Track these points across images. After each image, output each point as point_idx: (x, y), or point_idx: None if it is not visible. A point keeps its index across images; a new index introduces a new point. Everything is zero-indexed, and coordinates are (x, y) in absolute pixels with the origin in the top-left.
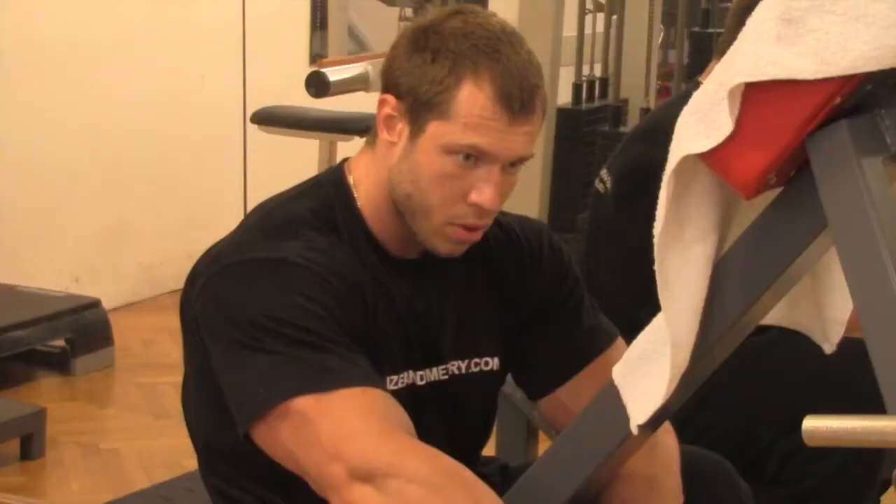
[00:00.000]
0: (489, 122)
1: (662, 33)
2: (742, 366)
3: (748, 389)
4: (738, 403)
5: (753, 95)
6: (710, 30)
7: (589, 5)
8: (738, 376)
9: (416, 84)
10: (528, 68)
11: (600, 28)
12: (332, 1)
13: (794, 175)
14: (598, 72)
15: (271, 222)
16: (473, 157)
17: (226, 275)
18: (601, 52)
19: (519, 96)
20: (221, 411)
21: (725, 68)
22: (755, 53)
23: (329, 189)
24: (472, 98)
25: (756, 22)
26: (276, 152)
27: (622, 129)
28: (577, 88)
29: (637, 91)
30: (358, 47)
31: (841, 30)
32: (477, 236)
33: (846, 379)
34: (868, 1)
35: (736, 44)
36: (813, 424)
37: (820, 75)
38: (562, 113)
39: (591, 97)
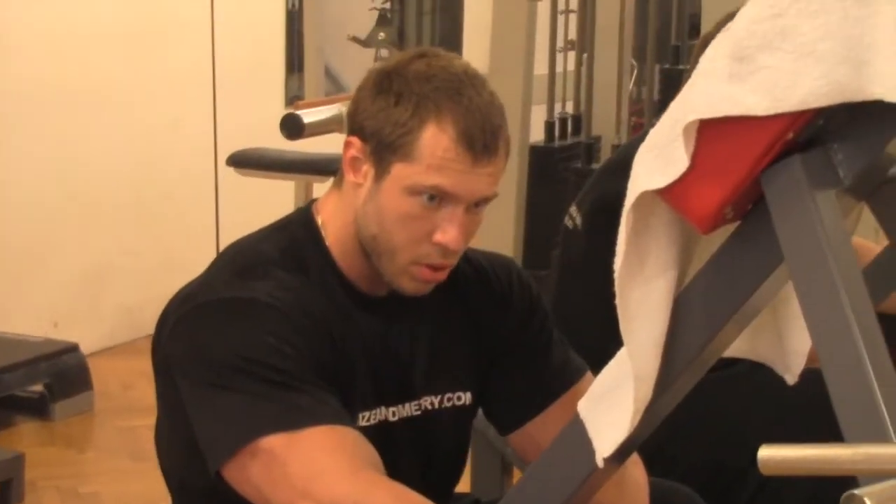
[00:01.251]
0: (452, 164)
1: (636, 70)
2: (711, 398)
3: (718, 422)
4: (709, 435)
5: (708, 132)
6: (681, 66)
7: (560, 43)
8: (708, 409)
9: (380, 126)
10: (490, 110)
11: (571, 66)
12: (308, 43)
13: (751, 209)
14: (570, 109)
15: (241, 263)
16: (437, 197)
17: (196, 315)
18: (573, 90)
19: (482, 138)
20: (193, 451)
21: (680, 105)
22: (708, 90)
23: (298, 229)
24: (435, 140)
25: (708, 59)
26: (248, 194)
27: (595, 165)
28: (549, 126)
29: (609, 128)
30: (335, 88)
31: (791, 66)
32: (442, 276)
33: (811, 409)
34: (817, 38)
35: (690, 81)
36: (767, 454)
37: (772, 111)
38: (534, 151)
39: (563, 135)
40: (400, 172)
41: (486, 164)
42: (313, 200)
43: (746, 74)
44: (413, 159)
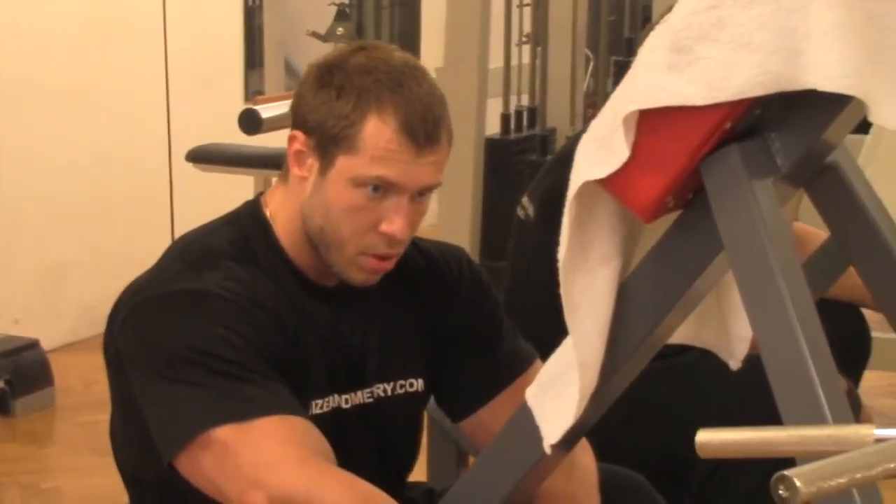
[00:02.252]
0: (395, 155)
1: (591, 62)
2: (662, 386)
3: (668, 409)
4: (660, 423)
5: (647, 122)
6: (633, 58)
7: (515, 37)
8: (659, 397)
9: (322, 120)
10: (431, 100)
11: (527, 59)
12: (268, 38)
13: (692, 198)
14: (525, 102)
15: (191, 255)
16: (382, 188)
17: (146, 307)
18: (528, 83)
19: (423, 128)
20: (146, 444)
21: (620, 96)
22: (647, 81)
23: (247, 221)
24: (378, 132)
25: (647, 51)
26: (204, 190)
27: (550, 157)
28: (505, 119)
29: (564, 120)
30: (296, 83)
31: (727, 57)
32: (389, 265)
33: (758, 394)
34: (752, 29)
35: (630, 72)
36: (705, 437)
37: (709, 101)
38: (490, 143)
39: (519, 127)
40: (344, 165)
41: (428, 154)
42: (261, 193)
43: (684, 65)
44: (356, 151)
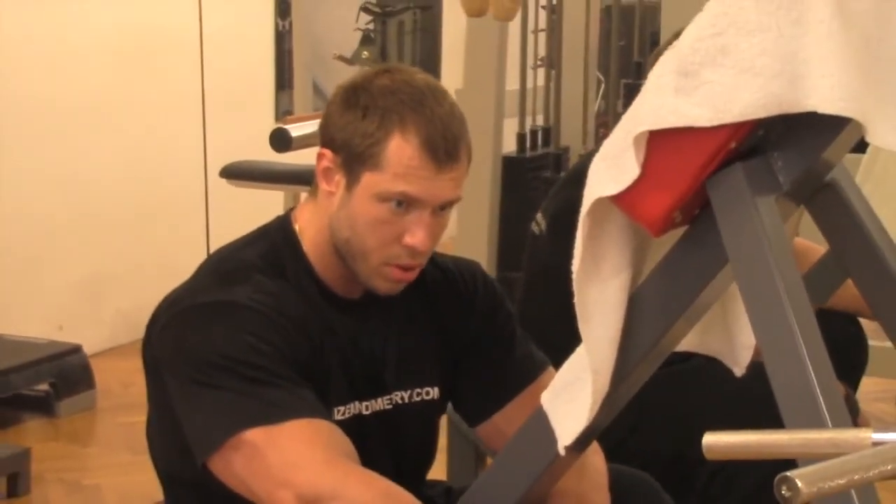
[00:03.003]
0: (417, 171)
1: (602, 85)
2: (669, 392)
3: (675, 413)
4: (667, 426)
5: (656, 142)
6: (643, 81)
7: (530, 61)
8: (666, 401)
9: (348, 138)
10: (451, 119)
11: (541, 82)
12: (297, 61)
13: (698, 214)
14: (540, 122)
15: (223, 268)
16: (405, 203)
17: (182, 318)
18: (543, 104)
19: (443, 146)
20: (181, 445)
21: (631, 118)
22: (656, 104)
23: (277, 236)
24: (400, 150)
25: (656, 75)
26: (237, 205)
27: (563, 174)
28: (520, 138)
29: (577, 139)
30: (323, 104)
31: (732, 81)
32: (412, 275)
33: (760, 400)
34: (755, 54)
35: (639, 95)
36: (711, 440)
37: (715, 122)
38: (507, 161)
39: (534, 146)
40: (369, 181)
41: (448, 171)
42: (291, 209)
43: (691, 89)
44: (381, 168)
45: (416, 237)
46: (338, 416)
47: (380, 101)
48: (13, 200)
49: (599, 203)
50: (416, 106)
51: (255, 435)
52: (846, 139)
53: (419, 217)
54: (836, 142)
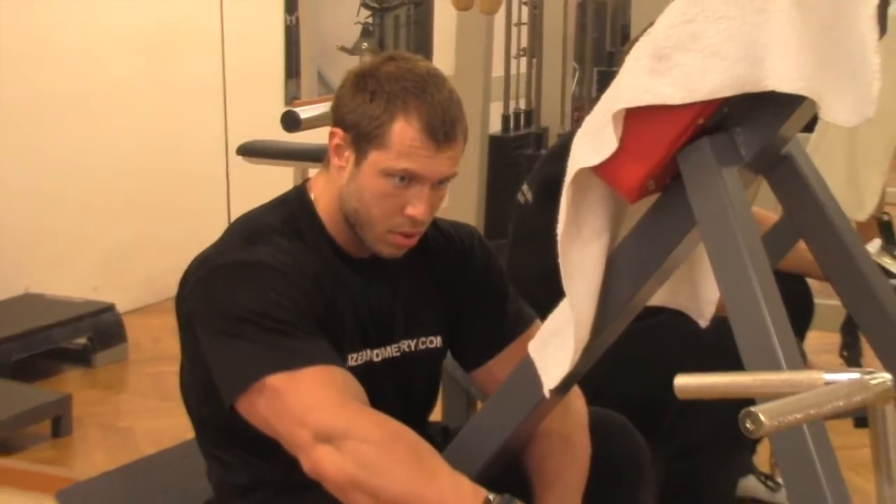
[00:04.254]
0: (418, 151)
1: (577, 72)
2: (641, 342)
3: (647, 361)
4: (639, 373)
5: (633, 118)
6: (614, 69)
7: (514, 51)
8: (639, 351)
9: (358, 120)
10: (449, 104)
11: (524, 69)
12: (303, 52)
13: (670, 182)
14: (522, 105)
15: (247, 231)
16: (407, 178)
17: (211, 276)
18: (525, 89)
19: (442, 128)
20: (211, 390)
21: (610, 97)
22: (633, 84)
23: (294, 204)
24: (403, 131)
25: (633, 59)
26: (253, 179)
27: (543, 151)
28: (505, 119)
29: (555, 120)
30: (327, 90)
31: (701, 64)
32: (413, 242)
33: (721, 349)
34: (721, 40)
35: (618, 76)
36: (683, 381)
37: (685, 101)
38: (493, 140)
39: (517, 126)
40: (375, 158)
41: (446, 150)
42: (307, 179)
43: (664, 70)
44: (386, 147)
45: (416, 209)
46: (351, 363)
47: (386, 86)
48: (55, 176)
49: (582, 173)
50: (418, 92)
51: (276, 380)
52: (801, 116)
53: (420, 191)
54: (792, 118)
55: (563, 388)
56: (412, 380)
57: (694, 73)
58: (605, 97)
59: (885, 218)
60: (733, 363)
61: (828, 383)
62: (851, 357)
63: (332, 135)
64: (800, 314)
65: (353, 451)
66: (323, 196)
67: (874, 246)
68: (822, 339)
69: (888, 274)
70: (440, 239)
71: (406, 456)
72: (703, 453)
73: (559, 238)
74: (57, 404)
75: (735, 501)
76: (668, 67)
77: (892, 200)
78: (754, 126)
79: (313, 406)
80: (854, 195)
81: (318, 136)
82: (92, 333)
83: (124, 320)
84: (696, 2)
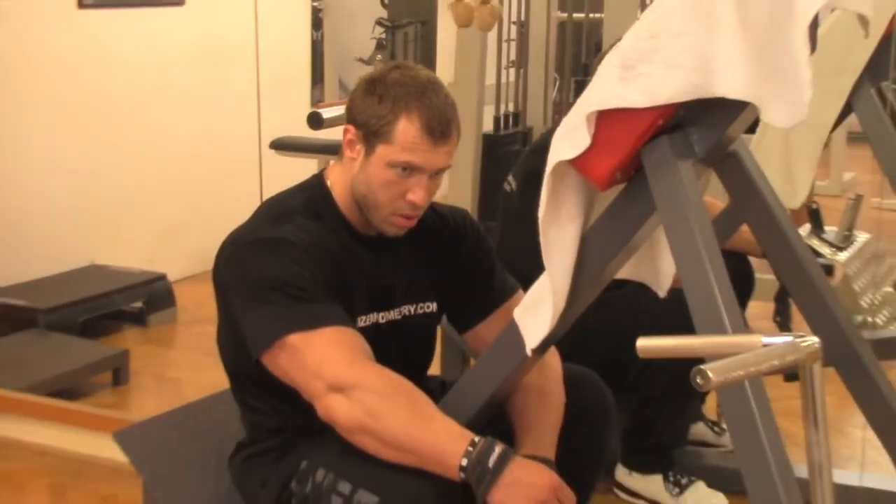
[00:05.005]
0: (418, 146)
1: (557, 81)
2: (609, 310)
3: (613, 326)
4: (607, 336)
5: (603, 120)
6: (588, 78)
7: (504, 62)
8: (607, 318)
9: (367, 119)
10: (445, 107)
11: (512, 78)
12: (327, 63)
13: (634, 173)
14: (511, 108)
15: (273, 212)
16: (409, 169)
17: (243, 250)
18: (513, 95)
19: (439, 127)
20: (242, 346)
21: (584, 101)
22: (603, 90)
23: (314, 189)
24: (406, 129)
25: (604, 68)
26: (280, 169)
27: (528, 147)
28: (496, 120)
29: (538, 121)
30: (346, 94)
31: (661, 73)
32: (412, 223)
33: (676, 315)
34: (679, 53)
35: (591, 84)
36: (644, 343)
37: (648, 105)
38: (485, 138)
39: (506, 126)
40: (382, 152)
41: (442, 146)
42: (324, 169)
43: (630, 79)
44: (391, 142)
45: (416, 195)
46: (360, 324)
47: (391, 90)
48: (116, 165)
49: (560, 165)
50: (419, 96)
51: (295, 339)
52: (745, 118)
53: (419, 180)
54: (738, 120)
55: (542, 347)
56: (412, 339)
57: (655, 81)
58: (580, 101)
59: (814, 206)
60: (687, 328)
61: (765, 345)
62: (783, 322)
63: (345, 131)
64: (742, 287)
65: (360, 399)
66: (338, 183)
67: (805, 230)
68: (761, 308)
69: (816, 254)
70: (437, 220)
71: (405, 404)
72: (660, 403)
73: (540, 220)
74: (116, 358)
75: (686, 443)
76: (633, 76)
77: (820, 192)
78: (706, 126)
79: (327, 361)
80: (788, 186)
81: (338, 133)
82: (146, 298)
83: (174, 287)
84: (657, 21)
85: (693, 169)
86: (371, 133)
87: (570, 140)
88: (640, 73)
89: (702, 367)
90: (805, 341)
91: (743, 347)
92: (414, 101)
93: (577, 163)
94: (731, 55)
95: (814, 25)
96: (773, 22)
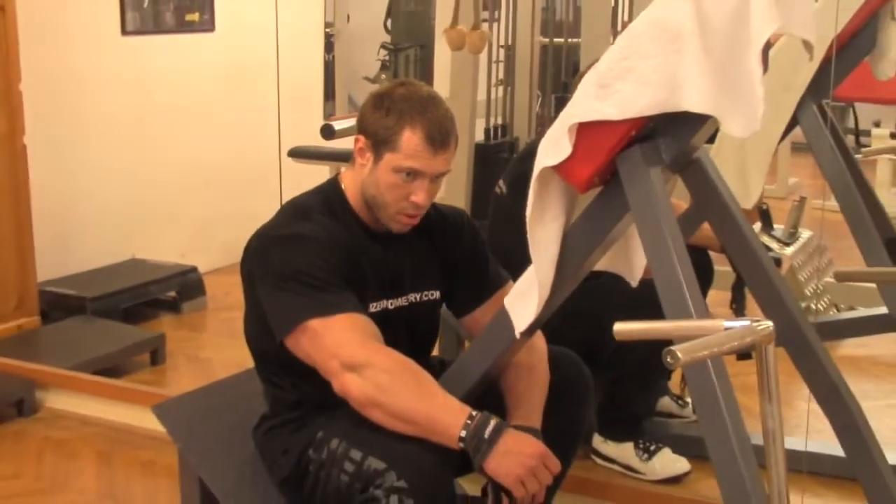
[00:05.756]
0: (421, 154)
1: (540, 97)
2: (587, 298)
3: (591, 312)
4: (586, 321)
5: (583, 131)
6: (567, 95)
7: (493, 80)
8: (586, 305)
9: (376, 129)
10: (445, 120)
11: (501, 95)
12: (338, 81)
13: (610, 178)
14: (500, 121)
15: (294, 211)
16: (412, 174)
17: (267, 244)
18: (501, 109)
19: (439, 138)
20: (266, 330)
21: (566, 114)
22: (583, 105)
23: (330, 191)
24: (410, 140)
25: (583, 86)
26: (296, 174)
27: (514, 155)
28: (486, 132)
29: (524, 132)
30: (354, 109)
31: (634, 90)
32: (416, 221)
33: (647, 303)
34: (649, 72)
35: (572, 99)
36: (620, 327)
37: (622, 117)
38: (477, 147)
39: (495, 137)
40: (389, 158)
41: (441, 154)
42: (338, 173)
43: (606, 95)
44: (397, 150)
45: (418, 196)
46: (372, 310)
47: (398, 105)
48: (154, 170)
49: (544, 171)
50: (421, 110)
51: (315, 323)
52: (707, 130)
53: (421, 183)
54: (701, 131)
55: (529, 331)
56: (418, 323)
57: (628, 97)
58: (562, 115)
59: (765, 207)
60: (656, 314)
61: (727, 329)
62: (738, 309)
63: (356, 140)
64: (703, 277)
65: (371, 377)
66: (350, 186)
67: (756, 228)
68: (719, 296)
69: (766, 248)
70: (438, 218)
71: (411, 381)
72: (630, 380)
73: (527, 219)
74: (154, 341)
75: (654, 415)
76: (609, 93)
77: (769, 195)
78: (673, 137)
79: (342, 343)
80: (743, 189)
81: (348, 143)
82: (180, 288)
83: (204, 279)
84: (630, 45)
85: (661, 174)
86: (379, 142)
87: (554, 149)
88: (615, 90)
89: (671, 347)
90: (760, 325)
91: (707, 331)
92: (417, 114)
93: (559, 169)
94: (694, 74)
95: (766, 49)
96: (731, 45)
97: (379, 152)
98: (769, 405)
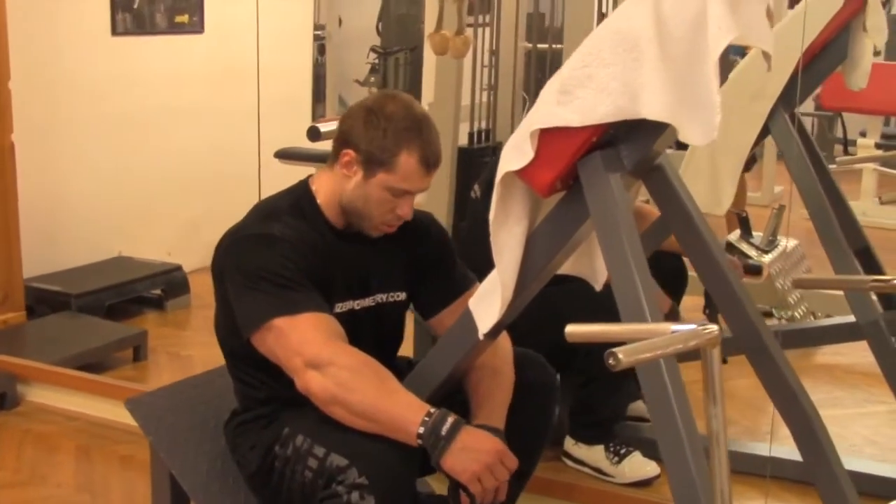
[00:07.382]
0: (415, 176)
1: (527, 102)
2: (552, 303)
3: (557, 316)
4: (552, 325)
5: (545, 136)
6: None
7: (477, 85)
8: (552, 308)
9: (370, 148)
10: (437, 141)
11: (485, 99)
12: (329, 83)
13: (572, 183)
14: (483, 125)
15: (264, 212)
16: (402, 193)
17: (236, 243)
18: (485, 114)
19: (432, 160)
20: (234, 327)
21: (528, 120)
22: (545, 111)
23: (300, 192)
24: (407, 163)
25: (546, 92)
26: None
27: (491, 160)
28: (470, 136)
29: (507, 137)
30: (344, 111)
31: (594, 97)
32: (395, 229)
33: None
34: (608, 80)
35: (534, 106)
36: (571, 329)
37: (583, 124)
38: (461, 151)
39: (479, 141)
40: (383, 178)
41: (432, 174)
42: (310, 175)
43: (567, 102)
44: (393, 172)
45: (404, 210)
46: (338, 310)
47: (394, 125)
48: (140, 169)
49: (507, 175)
50: (418, 133)
51: (280, 322)
52: (667, 137)
53: (408, 199)
54: (661, 138)
55: (493, 332)
56: (384, 324)
57: (589, 104)
58: (525, 120)
59: (744, 215)
60: (617, 317)
61: (674, 332)
62: (711, 314)
63: (344, 154)
64: (677, 283)
65: (334, 375)
66: (322, 189)
67: (735, 235)
68: (693, 301)
69: (745, 255)
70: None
71: (372, 379)
72: (601, 383)
73: (490, 223)
74: (137, 337)
75: (626, 419)
76: (570, 100)
77: (753, 202)
78: (633, 143)
79: (306, 341)
80: (714, 196)
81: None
82: (165, 286)
83: (189, 277)
84: (590, 53)
85: (622, 180)
86: (374, 161)
87: (516, 154)
88: (575, 97)
89: (613, 349)
90: (706, 329)
91: (654, 333)
92: (414, 137)
93: (522, 173)
94: (652, 83)
95: (723, 58)
96: (689, 55)
97: (372, 170)
98: (713, 407)
